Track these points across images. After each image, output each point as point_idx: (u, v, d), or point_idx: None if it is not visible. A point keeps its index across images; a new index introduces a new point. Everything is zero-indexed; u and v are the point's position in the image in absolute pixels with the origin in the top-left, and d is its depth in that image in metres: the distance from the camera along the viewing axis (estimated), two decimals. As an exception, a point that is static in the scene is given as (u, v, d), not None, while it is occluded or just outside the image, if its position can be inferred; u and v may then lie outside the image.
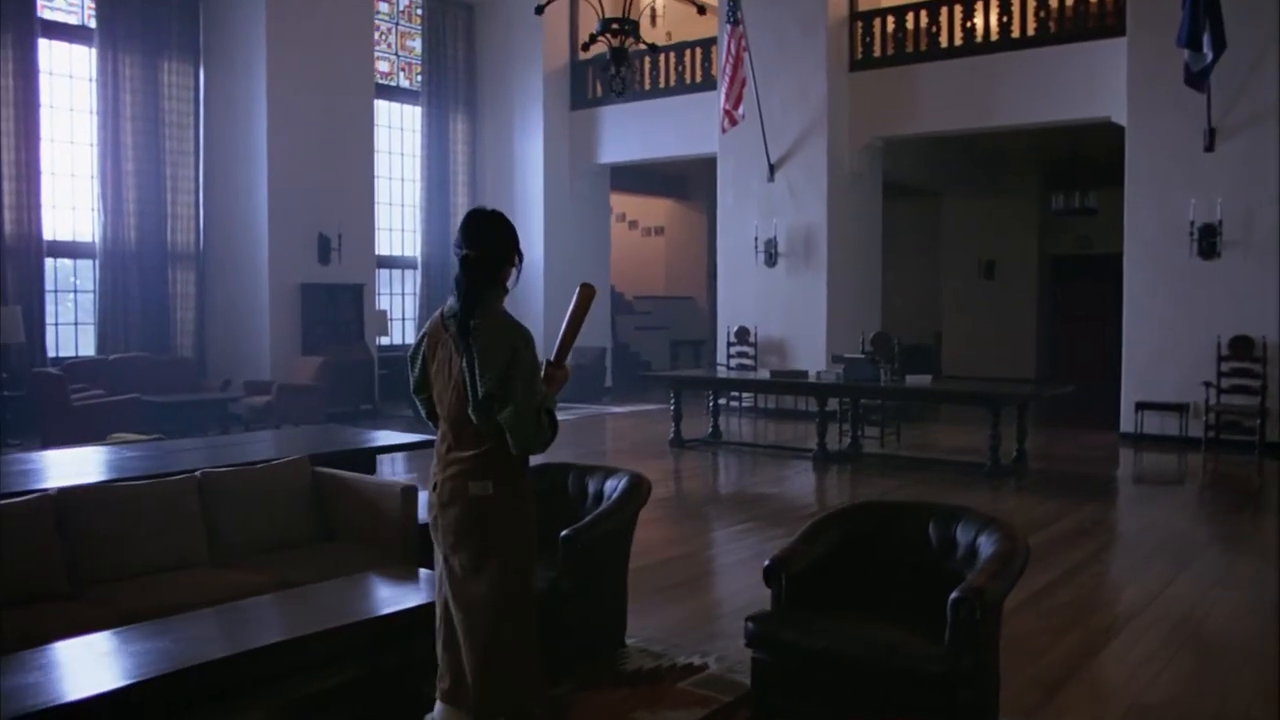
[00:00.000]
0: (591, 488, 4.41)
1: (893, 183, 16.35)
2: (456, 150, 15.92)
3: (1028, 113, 11.91)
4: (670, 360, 19.68)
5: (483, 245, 2.88)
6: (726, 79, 12.48)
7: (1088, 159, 14.32)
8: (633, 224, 22.31)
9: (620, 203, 21.88)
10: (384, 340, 14.82)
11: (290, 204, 12.47)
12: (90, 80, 11.96)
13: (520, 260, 2.96)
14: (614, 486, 4.29)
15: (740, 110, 12.51)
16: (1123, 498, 8.41)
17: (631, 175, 18.41)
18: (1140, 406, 10.58)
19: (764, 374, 10.60)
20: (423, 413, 3.13)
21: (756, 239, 13.29)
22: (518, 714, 2.91)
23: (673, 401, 10.44)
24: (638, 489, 4.22)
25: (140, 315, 12.26)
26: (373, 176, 13.73)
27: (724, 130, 12.79)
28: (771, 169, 13.18)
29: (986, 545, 3.38)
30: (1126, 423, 10.82)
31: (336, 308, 12.82)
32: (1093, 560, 5.88)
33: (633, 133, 15.33)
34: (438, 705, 3.04)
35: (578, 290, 2.98)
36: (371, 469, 5.10)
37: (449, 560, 2.91)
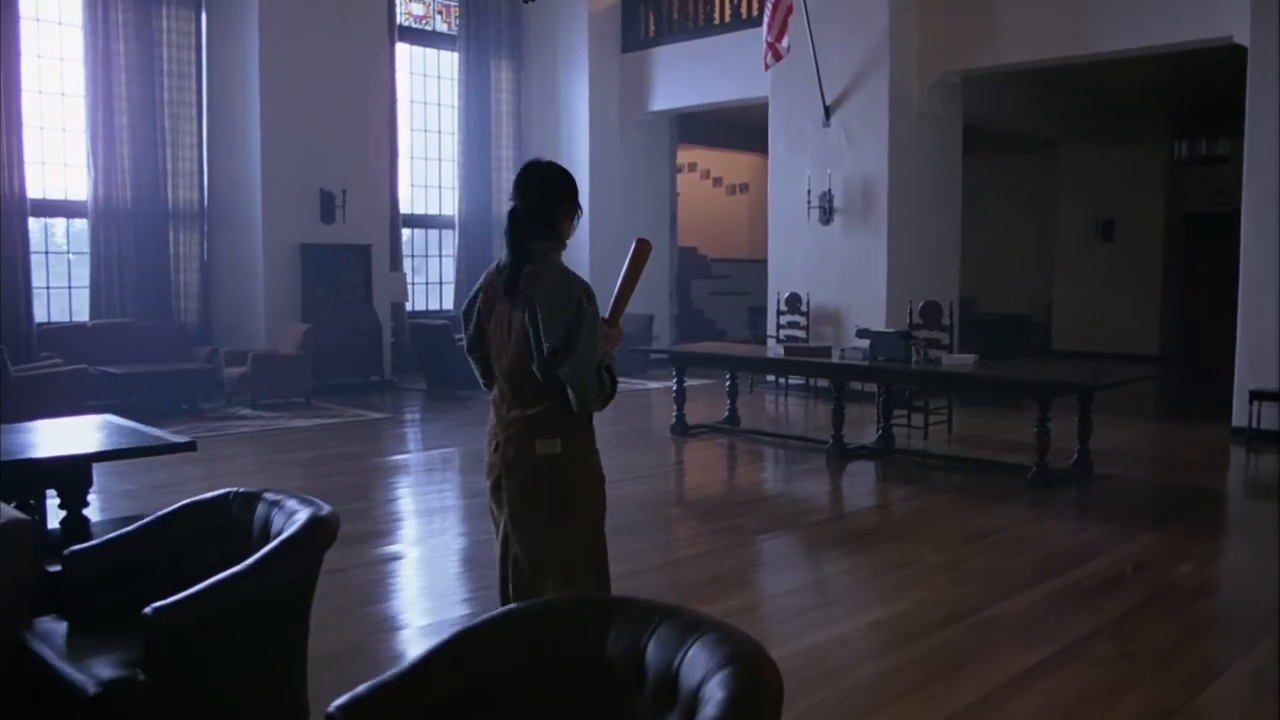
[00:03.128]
0: (276, 524, 3.04)
1: (995, 131, 14.33)
2: (500, 100, 14.64)
3: (1132, 36, 9.75)
4: (749, 327, 18.06)
5: (526, 197, 2.83)
6: (770, 6, 10.76)
7: (1218, 95, 11.95)
8: (716, 180, 20.73)
9: (703, 158, 20.37)
10: (411, 306, 13.81)
11: (287, 157, 11.42)
12: (81, 27, 11.15)
13: (578, 212, 2.91)
14: (290, 526, 2.91)
15: (785, 42, 10.77)
16: (1201, 523, 6.31)
17: (710, 127, 16.79)
18: (1256, 396, 8.48)
19: (778, 350, 8.93)
20: (477, 371, 3.02)
21: (809, 192, 11.55)
22: None
23: (675, 381, 8.92)
24: (313, 535, 2.83)
25: (137, 278, 11.47)
26: (387, 128, 12.54)
27: (766, 66, 11.07)
28: (827, 111, 11.38)
29: (710, 704, 1.86)
30: (1239, 416, 8.73)
31: (340, 270, 11.73)
32: (1108, 633, 4.13)
33: (687, 76, 13.72)
34: None
35: (633, 245, 2.90)
36: (86, 482, 3.85)
37: (517, 519, 2.83)
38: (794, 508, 6.48)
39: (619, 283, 2.90)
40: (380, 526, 5.99)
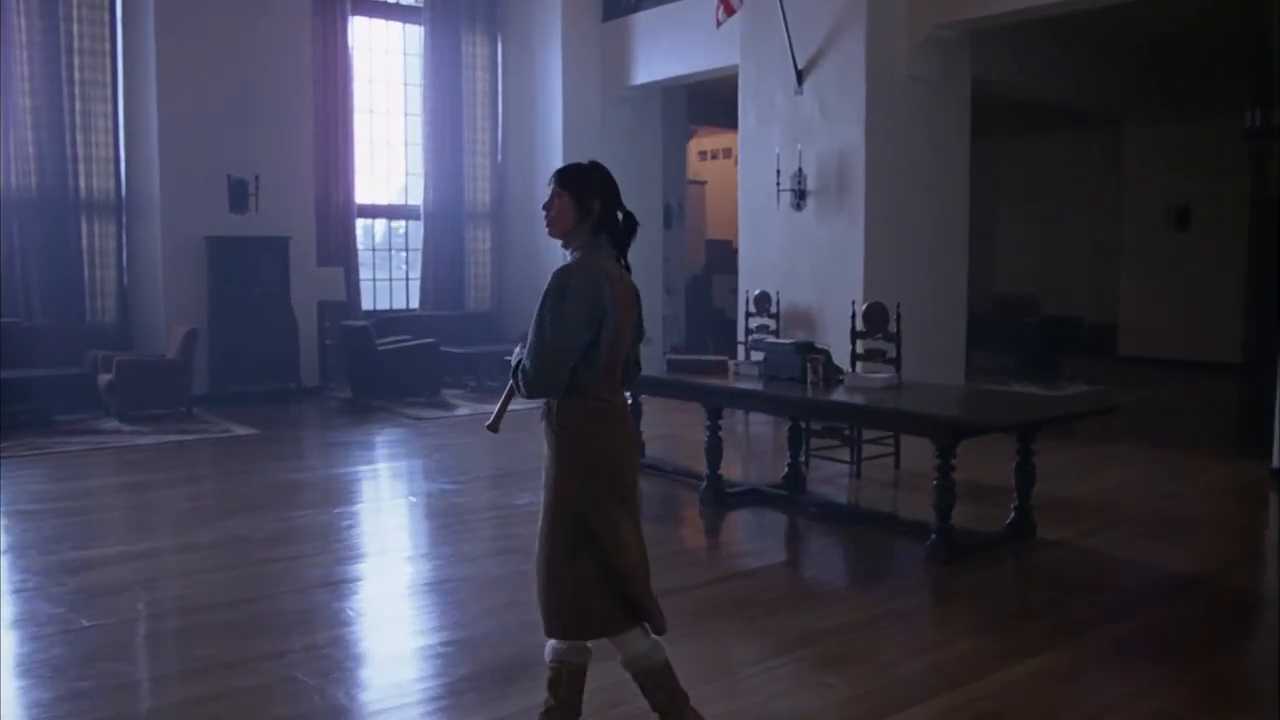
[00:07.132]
0: None
1: (1047, 105, 12.32)
2: (474, 78, 13.26)
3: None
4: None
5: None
6: (722, -48, 9.07)
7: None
8: (750, 167, 18.83)
9: (734, 141, 18.58)
10: (373, 305, 12.59)
11: (189, 140, 10.22)
12: (-24, 1, 10.21)
13: None
14: None
15: (737, -7, 9.07)
16: (1140, 636, 4.05)
17: (731, 107, 15.04)
18: (1295, 433, 6.41)
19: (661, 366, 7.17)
20: (567, 372, 2.81)
21: (779, 173, 9.77)
22: None
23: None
24: None
25: (43, 274, 10.50)
26: (310, 108, 11.17)
27: (718, 23, 9.40)
28: (799, 76, 9.59)
29: None
30: None
31: (253, 266, 10.47)
32: None
33: (670, 44, 12.02)
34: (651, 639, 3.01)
35: None
36: None
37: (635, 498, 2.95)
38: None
39: None
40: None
